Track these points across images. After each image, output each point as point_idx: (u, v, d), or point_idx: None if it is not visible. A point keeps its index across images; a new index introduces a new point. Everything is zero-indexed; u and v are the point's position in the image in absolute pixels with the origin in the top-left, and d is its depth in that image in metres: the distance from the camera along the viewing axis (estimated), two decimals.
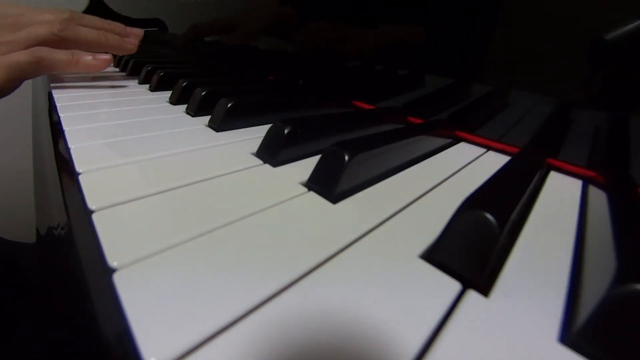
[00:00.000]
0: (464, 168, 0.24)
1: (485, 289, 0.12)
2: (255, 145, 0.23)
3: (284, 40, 0.47)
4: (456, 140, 0.30)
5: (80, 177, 0.17)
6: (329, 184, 0.17)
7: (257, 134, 0.26)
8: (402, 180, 0.20)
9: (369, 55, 0.36)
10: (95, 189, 0.16)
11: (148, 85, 0.42)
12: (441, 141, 0.28)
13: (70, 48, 0.39)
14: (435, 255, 0.13)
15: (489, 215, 0.12)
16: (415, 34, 0.32)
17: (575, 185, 0.23)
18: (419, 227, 0.15)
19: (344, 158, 0.17)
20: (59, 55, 0.36)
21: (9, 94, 0.34)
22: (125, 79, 0.48)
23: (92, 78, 0.45)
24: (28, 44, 0.35)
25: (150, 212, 0.15)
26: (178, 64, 0.56)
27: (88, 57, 0.39)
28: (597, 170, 0.23)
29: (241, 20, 0.53)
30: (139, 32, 0.49)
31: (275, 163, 0.21)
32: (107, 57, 0.41)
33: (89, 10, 0.96)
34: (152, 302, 0.10)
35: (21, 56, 0.33)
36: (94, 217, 0.14)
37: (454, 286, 0.12)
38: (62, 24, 0.38)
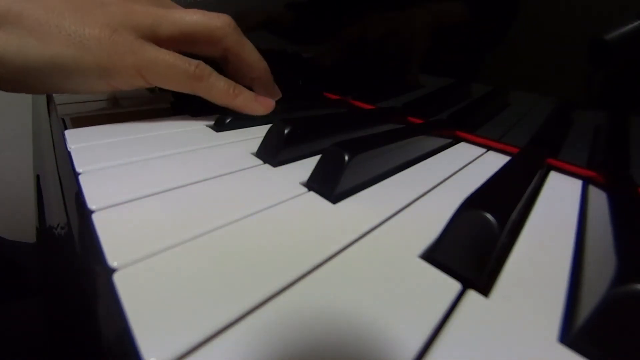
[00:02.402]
0: (464, 168, 0.24)
1: (485, 289, 0.12)
2: (255, 145, 0.23)
3: (283, 40, 0.48)
4: (456, 140, 0.30)
5: (80, 177, 0.17)
6: (329, 184, 0.17)
7: (257, 134, 0.26)
8: (402, 180, 0.20)
9: (368, 53, 0.36)
10: (95, 188, 0.16)
11: None
12: (441, 141, 0.28)
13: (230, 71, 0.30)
14: (435, 255, 0.13)
15: (489, 215, 0.12)
16: (416, 33, 0.32)
17: (575, 185, 0.23)
18: (418, 227, 0.15)
19: (344, 158, 0.17)
20: (219, 82, 0.27)
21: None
22: None
23: None
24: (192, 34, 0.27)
25: (150, 212, 0.15)
26: None
27: (250, 95, 0.28)
28: (597, 170, 0.23)
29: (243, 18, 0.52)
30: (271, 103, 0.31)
31: (276, 163, 0.21)
32: (270, 102, 0.30)
33: None
34: (152, 302, 0.10)
35: (179, 61, 0.24)
36: (94, 217, 0.14)
37: (454, 286, 0.12)
38: (235, 31, 0.29)
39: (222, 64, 0.31)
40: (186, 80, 0.25)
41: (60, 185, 0.18)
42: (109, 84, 0.24)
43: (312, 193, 0.18)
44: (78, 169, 0.18)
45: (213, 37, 0.28)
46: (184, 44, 0.27)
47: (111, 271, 0.11)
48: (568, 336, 0.10)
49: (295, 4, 0.44)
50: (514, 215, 0.14)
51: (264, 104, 0.29)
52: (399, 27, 0.33)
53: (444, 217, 0.13)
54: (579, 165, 0.24)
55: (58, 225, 0.16)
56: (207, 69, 0.26)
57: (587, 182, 0.23)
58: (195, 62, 0.25)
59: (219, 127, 0.27)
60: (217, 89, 0.27)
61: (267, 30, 0.50)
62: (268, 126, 0.23)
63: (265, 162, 0.21)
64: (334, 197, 0.17)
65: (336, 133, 0.25)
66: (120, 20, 0.23)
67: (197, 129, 0.27)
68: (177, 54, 0.25)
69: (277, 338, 0.09)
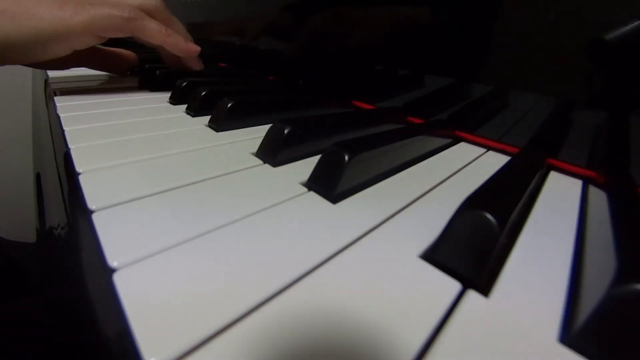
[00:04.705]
0: (464, 168, 0.24)
1: (485, 289, 0.12)
2: (255, 145, 0.23)
3: (284, 40, 0.47)
4: (456, 140, 0.30)
5: (80, 177, 0.17)
6: (329, 184, 0.17)
7: (257, 134, 0.26)
8: (402, 180, 0.20)
9: (368, 52, 0.36)
10: (95, 189, 0.16)
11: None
12: (441, 141, 0.28)
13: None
14: (435, 255, 0.13)
15: (489, 215, 0.12)
16: (416, 33, 0.32)
17: (575, 185, 0.23)
18: (418, 227, 0.15)
19: (344, 158, 0.17)
20: (151, 23, 0.34)
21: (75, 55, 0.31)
22: (124, 79, 0.48)
23: (92, 79, 0.45)
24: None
25: (150, 212, 0.15)
26: None
27: (180, 37, 0.37)
28: (597, 170, 0.23)
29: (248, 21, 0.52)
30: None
31: (275, 163, 0.21)
32: (196, 47, 0.39)
33: None
34: (153, 302, 0.10)
35: (115, 10, 0.30)
36: (94, 217, 0.14)
37: (454, 286, 0.12)
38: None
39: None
40: (123, 24, 0.31)
41: (60, 185, 0.18)
42: (68, 46, 0.29)
43: (312, 193, 0.18)
44: (78, 169, 0.18)
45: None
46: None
47: (111, 271, 0.11)
48: (568, 336, 0.10)
49: (294, 5, 0.44)
50: (514, 215, 0.14)
51: (192, 47, 0.39)
52: (399, 26, 0.33)
53: (444, 217, 0.14)
54: (579, 165, 0.24)
55: (58, 225, 0.16)
56: (140, 12, 0.33)
57: (587, 182, 0.23)
58: (128, 7, 0.31)
59: (219, 126, 0.27)
60: (150, 28, 0.33)
61: (267, 32, 0.50)
62: (268, 126, 0.23)
63: (265, 162, 0.21)
64: (334, 197, 0.17)
65: (336, 133, 0.25)
66: None
67: (197, 129, 0.27)
68: (112, 4, 0.31)
69: (277, 337, 0.09)
